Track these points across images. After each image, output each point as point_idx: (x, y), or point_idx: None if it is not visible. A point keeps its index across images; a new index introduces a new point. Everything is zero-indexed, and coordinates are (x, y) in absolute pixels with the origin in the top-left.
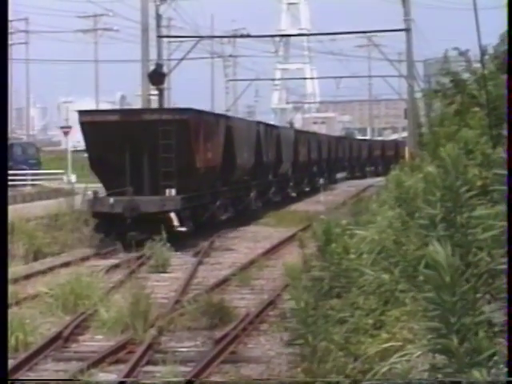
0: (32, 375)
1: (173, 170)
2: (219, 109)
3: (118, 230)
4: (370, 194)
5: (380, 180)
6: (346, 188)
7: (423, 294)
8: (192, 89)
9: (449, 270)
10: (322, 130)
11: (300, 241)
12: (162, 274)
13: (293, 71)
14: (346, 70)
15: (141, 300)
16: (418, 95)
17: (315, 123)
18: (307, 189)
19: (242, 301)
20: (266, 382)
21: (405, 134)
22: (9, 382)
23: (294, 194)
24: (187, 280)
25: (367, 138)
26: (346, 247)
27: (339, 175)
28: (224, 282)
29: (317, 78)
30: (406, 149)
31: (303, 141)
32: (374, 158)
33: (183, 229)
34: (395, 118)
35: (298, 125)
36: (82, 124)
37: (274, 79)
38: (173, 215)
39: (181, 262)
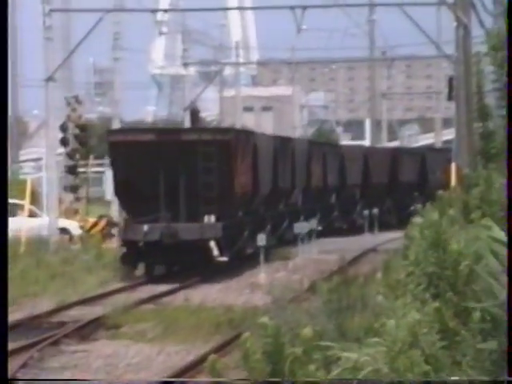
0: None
1: (213, 195)
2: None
3: (150, 261)
4: (369, 268)
5: (393, 238)
6: (316, 256)
7: None
8: None
9: None
10: (263, 123)
11: (213, 371)
12: None
13: None
14: None
15: None
16: (481, 47)
17: (249, 110)
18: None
19: None
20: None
21: (449, 136)
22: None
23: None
24: None
25: (364, 142)
26: None
27: (299, 226)
28: None
29: (252, 9)
30: (453, 166)
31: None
32: (378, 188)
33: (224, 259)
34: (427, 100)
35: (208, 112)
36: (111, 144)
37: (154, 10)
38: (212, 244)
39: None
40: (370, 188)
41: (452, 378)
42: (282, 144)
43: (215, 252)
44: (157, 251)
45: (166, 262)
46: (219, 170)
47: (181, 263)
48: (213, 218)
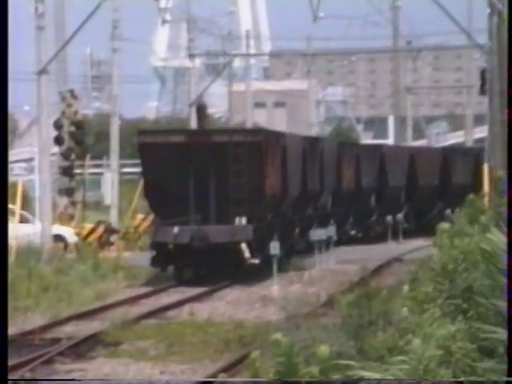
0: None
1: (244, 197)
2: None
3: (179, 263)
4: (394, 279)
5: (421, 247)
6: (334, 266)
7: None
8: None
9: None
10: (276, 120)
11: None
12: None
13: None
14: None
15: None
16: None
17: (261, 105)
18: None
19: None
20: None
21: (482, 134)
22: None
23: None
24: None
25: (387, 141)
26: None
27: (316, 234)
28: None
29: None
30: (485, 167)
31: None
32: (426, 190)
33: (256, 261)
34: (456, 95)
35: (216, 108)
36: (142, 145)
37: None
38: (244, 246)
39: None
40: (417, 190)
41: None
42: (311, 145)
43: (247, 254)
44: (187, 254)
45: (196, 264)
46: (250, 172)
47: (211, 266)
48: (244, 220)
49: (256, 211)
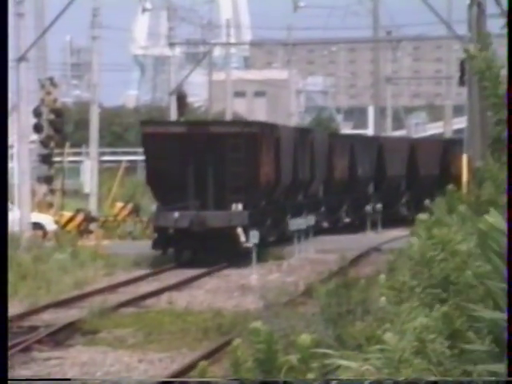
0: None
1: (240, 185)
2: None
3: (179, 247)
4: (372, 269)
5: (400, 236)
6: (312, 255)
7: None
8: None
9: None
10: (256, 109)
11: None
12: None
13: None
14: None
15: None
16: (497, 25)
17: (241, 95)
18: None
19: None
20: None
21: (461, 125)
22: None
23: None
24: None
25: (367, 131)
26: None
27: (296, 223)
28: None
29: None
30: (464, 157)
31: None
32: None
33: (250, 245)
34: (436, 85)
35: (196, 97)
36: (144, 136)
37: None
38: (240, 230)
39: None
40: (418, 180)
41: (449, 379)
42: (303, 136)
43: (242, 238)
44: (186, 237)
45: (195, 247)
46: (246, 161)
47: (209, 249)
48: (240, 206)
49: (251, 198)
